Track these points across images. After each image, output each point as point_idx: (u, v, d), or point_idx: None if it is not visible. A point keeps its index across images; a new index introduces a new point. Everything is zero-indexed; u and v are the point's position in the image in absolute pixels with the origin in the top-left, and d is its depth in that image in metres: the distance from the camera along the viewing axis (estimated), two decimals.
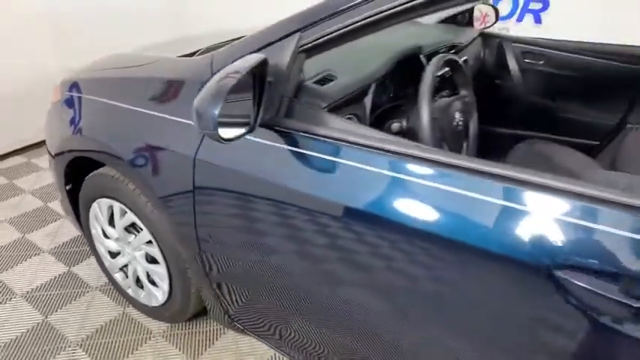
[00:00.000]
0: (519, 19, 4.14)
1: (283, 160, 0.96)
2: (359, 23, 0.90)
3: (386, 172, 0.84)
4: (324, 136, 0.92)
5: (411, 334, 0.93)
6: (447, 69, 1.39)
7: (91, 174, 1.46)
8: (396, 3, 0.84)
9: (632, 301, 0.63)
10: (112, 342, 1.55)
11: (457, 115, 1.25)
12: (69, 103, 1.48)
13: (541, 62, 1.97)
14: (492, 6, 2.24)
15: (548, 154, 1.78)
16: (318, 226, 0.94)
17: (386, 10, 0.87)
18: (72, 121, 1.44)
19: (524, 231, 0.70)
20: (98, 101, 1.36)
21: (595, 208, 0.66)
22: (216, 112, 0.77)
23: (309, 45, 0.94)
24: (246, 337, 1.58)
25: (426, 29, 1.96)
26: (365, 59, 1.26)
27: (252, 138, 0.99)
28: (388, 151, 0.85)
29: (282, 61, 0.94)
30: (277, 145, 0.97)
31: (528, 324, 0.74)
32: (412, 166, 0.81)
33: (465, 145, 1.37)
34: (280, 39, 0.96)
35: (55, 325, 1.61)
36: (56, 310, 1.67)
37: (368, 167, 0.87)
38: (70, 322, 1.63)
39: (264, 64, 0.88)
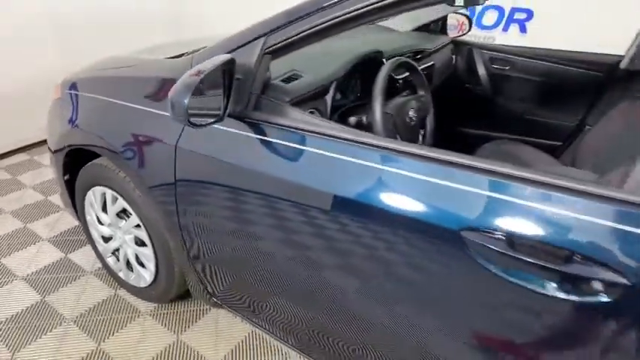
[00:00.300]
0: (505, 29, 4.30)
1: (252, 147, 1.10)
2: (315, 29, 1.05)
3: (339, 156, 0.98)
4: (287, 127, 1.07)
5: (361, 301, 1.07)
6: (406, 72, 1.54)
7: (86, 165, 1.61)
8: (343, 12, 0.99)
9: (524, 255, 0.77)
10: (103, 319, 1.69)
11: (411, 112, 1.40)
12: (68, 100, 1.63)
13: (507, 68, 2.12)
14: (466, 16, 2.40)
15: (514, 153, 1.93)
16: (284, 206, 1.08)
17: (337, 18, 1.02)
18: (70, 117, 1.59)
19: (446, 201, 0.84)
20: (94, 98, 1.51)
21: (502, 182, 0.80)
22: (186, 101, 0.91)
23: (273, 47, 1.09)
24: (225, 316, 1.71)
25: (396, 36, 2.12)
26: (328, 61, 1.41)
27: (225, 128, 1.14)
28: (340, 138, 0.99)
29: (250, 61, 1.09)
30: (246, 134, 1.12)
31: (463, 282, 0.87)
32: (359, 151, 0.96)
33: (420, 138, 1.51)
34: (248, 42, 1.11)
35: (51, 304, 1.75)
36: (53, 291, 1.81)
37: (324, 152, 1.01)
38: (66, 301, 1.77)
39: (231, 63, 1.03)
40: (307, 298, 1.18)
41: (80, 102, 1.58)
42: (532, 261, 0.76)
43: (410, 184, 0.89)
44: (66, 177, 1.75)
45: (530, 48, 2.12)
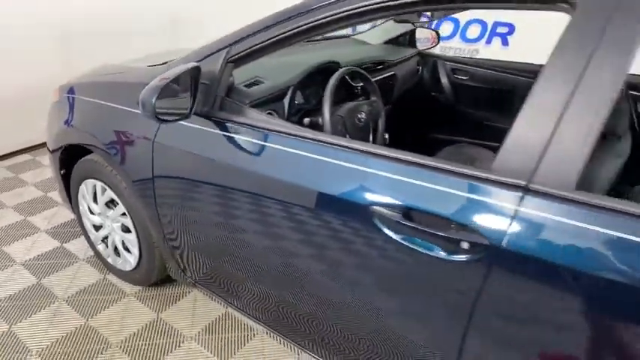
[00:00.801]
0: (488, 42, 4.52)
1: (216, 142, 1.30)
2: (271, 40, 1.24)
3: (289, 149, 1.17)
4: (247, 124, 1.26)
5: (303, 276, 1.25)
6: (360, 81, 1.74)
7: (80, 160, 1.81)
8: (290, 28, 1.19)
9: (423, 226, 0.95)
10: (92, 299, 1.88)
11: (361, 115, 1.59)
12: (65, 103, 1.83)
13: (466, 78, 2.32)
14: (435, 31, 2.60)
15: (470, 155, 2.12)
16: (245, 195, 1.27)
17: (287, 32, 1.21)
18: (66, 117, 1.80)
19: (368, 183, 1.03)
20: (87, 101, 1.72)
21: (411, 168, 0.99)
22: (152, 100, 1.12)
23: (236, 57, 1.29)
24: (203, 298, 1.90)
25: (365, 48, 2.32)
26: (289, 70, 1.61)
27: (194, 125, 1.34)
28: (291, 135, 1.18)
29: (215, 68, 1.29)
30: (212, 130, 1.31)
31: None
32: (306, 145, 1.14)
33: (371, 138, 1.71)
34: (214, 52, 1.31)
35: (46, 286, 1.94)
36: (48, 275, 2.01)
37: (277, 146, 1.20)
38: (60, 284, 1.96)
39: (196, 69, 1.23)
40: (272, 278, 1.35)
41: (75, 104, 1.78)
42: (423, 229, 0.94)
43: (340, 171, 1.08)
44: (62, 171, 1.96)
45: (488, 60, 2.32)
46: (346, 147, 1.08)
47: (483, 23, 4.41)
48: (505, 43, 4.32)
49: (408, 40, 2.45)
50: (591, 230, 0.79)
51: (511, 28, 4.26)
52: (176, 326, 1.76)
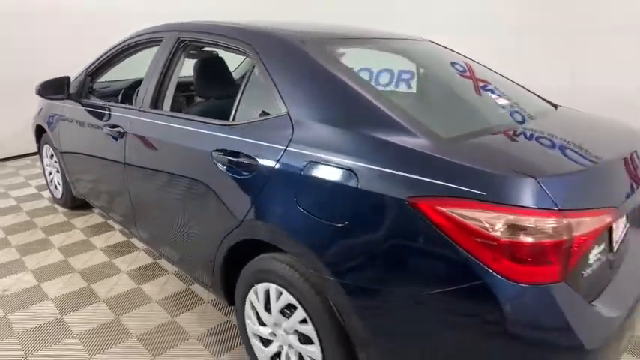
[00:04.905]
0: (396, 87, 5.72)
1: (80, 112, 2.68)
2: (98, 65, 2.67)
3: (115, 113, 2.51)
4: (92, 104, 2.65)
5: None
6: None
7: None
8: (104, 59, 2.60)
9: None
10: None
11: None
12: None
13: None
14: None
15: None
16: (98, 141, 2.60)
17: (101, 62, 2.63)
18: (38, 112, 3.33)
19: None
20: (45, 102, 3.24)
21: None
22: (40, 88, 2.57)
23: (91, 71, 2.72)
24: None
25: None
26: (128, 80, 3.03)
27: (73, 104, 2.75)
28: (107, 106, 2.55)
29: (82, 78, 2.73)
30: (79, 107, 2.72)
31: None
32: (122, 112, 2.49)
33: None
34: (83, 71, 2.75)
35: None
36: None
37: (105, 112, 2.56)
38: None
39: (67, 78, 2.68)
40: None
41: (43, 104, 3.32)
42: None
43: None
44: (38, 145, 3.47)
45: None
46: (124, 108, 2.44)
47: (391, 71, 5.57)
48: (409, 86, 5.35)
49: None
50: None
51: (411, 74, 5.32)
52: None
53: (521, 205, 1.01)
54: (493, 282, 1.03)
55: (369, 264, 1.20)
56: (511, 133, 1.38)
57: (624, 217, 1.46)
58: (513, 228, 1.01)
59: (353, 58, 1.67)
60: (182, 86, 2.59)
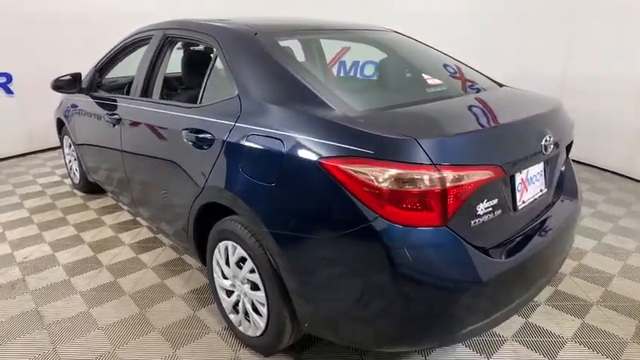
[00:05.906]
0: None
1: (92, 105, 3.03)
2: (105, 61, 3.00)
3: (119, 104, 2.84)
4: (101, 97, 2.99)
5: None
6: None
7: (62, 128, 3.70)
8: (110, 56, 2.92)
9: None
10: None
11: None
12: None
13: None
14: None
15: None
16: (106, 130, 2.95)
17: (108, 58, 2.96)
18: (59, 106, 3.71)
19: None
20: (64, 96, 3.61)
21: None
22: (54, 83, 2.92)
23: (99, 67, 3.05)
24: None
25: None
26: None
27: (85, 97, 3.10)
28: (109, 99, 2.88)
29: (91, 74, 3.07)
30: (90, 100, 3.06)
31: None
32: (122, 102, 2.81)
33: None
34: (94, 66, 3.09)
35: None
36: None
37: (111, 102, 2.89)
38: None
39: (79, 74, 3.02)
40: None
41: (63, 99, 3.70)
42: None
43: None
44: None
45: None
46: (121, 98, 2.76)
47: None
48: (9, 91, 4.86)
49: None
50: None
51: (9, 78, 4.82)
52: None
53: (401, 160, 1.23)
54: (381, 225, 1.25)
55: (290, 216, 1.44)
56: (422, 107, 1.58)
57: (539, 183, 1.64)
58: (394, 179, 1.23)
59: (297, 47, 1.91)
60: (169, 79, 2.91)
